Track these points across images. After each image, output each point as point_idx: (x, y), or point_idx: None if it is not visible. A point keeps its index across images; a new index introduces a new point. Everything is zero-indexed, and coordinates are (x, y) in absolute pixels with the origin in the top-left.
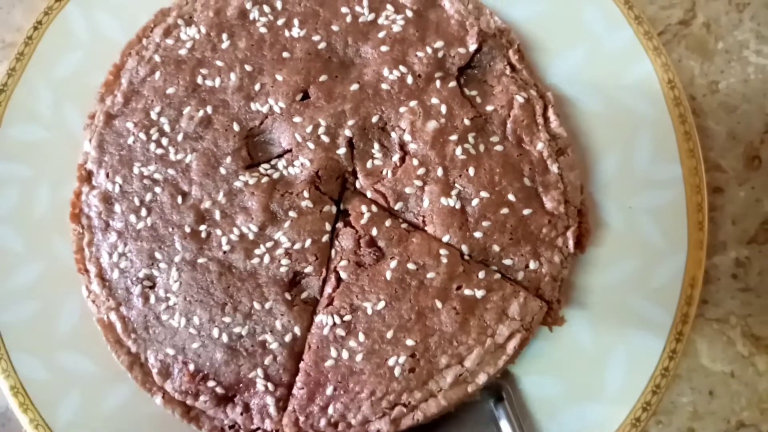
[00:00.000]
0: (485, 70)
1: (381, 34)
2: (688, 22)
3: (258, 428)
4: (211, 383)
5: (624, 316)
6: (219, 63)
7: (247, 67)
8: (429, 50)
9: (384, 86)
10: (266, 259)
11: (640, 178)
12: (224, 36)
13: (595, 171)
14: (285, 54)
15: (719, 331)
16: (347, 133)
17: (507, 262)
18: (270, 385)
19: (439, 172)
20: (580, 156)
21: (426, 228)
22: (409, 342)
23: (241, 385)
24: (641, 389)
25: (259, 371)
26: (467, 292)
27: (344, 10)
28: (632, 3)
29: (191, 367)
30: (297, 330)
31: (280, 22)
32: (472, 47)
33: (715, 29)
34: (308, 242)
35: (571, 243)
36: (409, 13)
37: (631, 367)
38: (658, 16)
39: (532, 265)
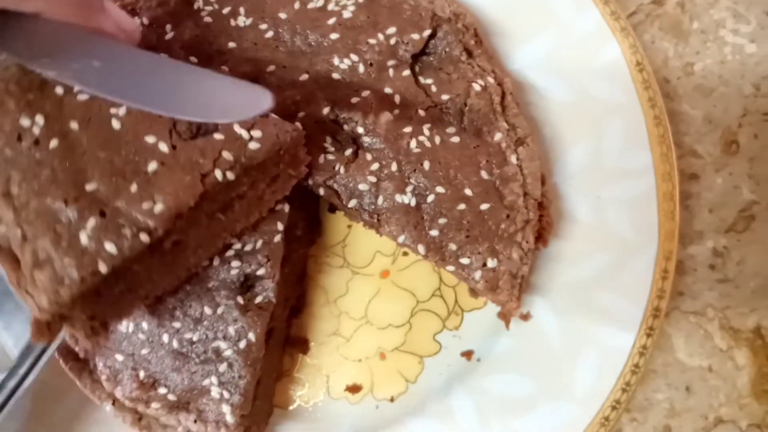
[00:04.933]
0: (441, 57)
1: (331, 21)
2: (662, 1)
3: None
4: (162, 390)
5: (593, 313)
6: (163, 54)
7: (192, 58)
8: (381, 37)
9: (335, 76)
10: (215, 261)
11: (609, 167)
12: (168, 27)
13: (562, 162)
14: (231, 44)
15: (696, 324)
16: (297, 125)
17: (464, 261)
18: (225, 393)
19: (393, 167)
20: (547, 146)
21: (381, 228)
22: None
23: (195, 392)
24: (610, 387)
25: (213, 379)
26: None
27: None
28: None
29: (141, 373)
30: (251, 336)
31: (225, 11)
32: (426, 33)
33: (690, 8)
34: (259, 243)
35: (531, 238)
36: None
37: (600, 365)
38: None
39: (490, 263)
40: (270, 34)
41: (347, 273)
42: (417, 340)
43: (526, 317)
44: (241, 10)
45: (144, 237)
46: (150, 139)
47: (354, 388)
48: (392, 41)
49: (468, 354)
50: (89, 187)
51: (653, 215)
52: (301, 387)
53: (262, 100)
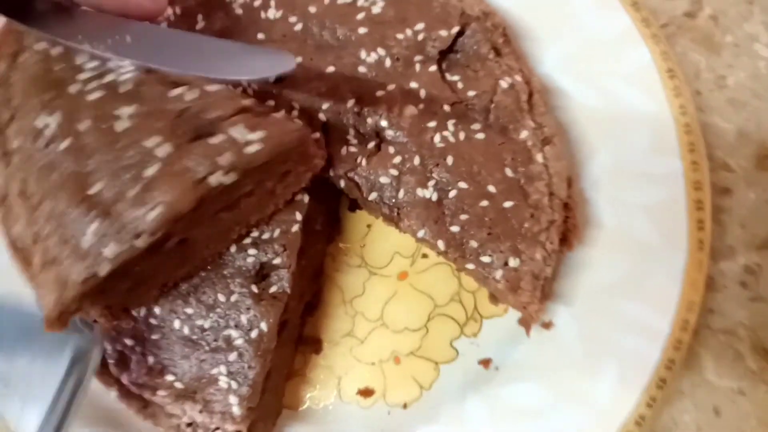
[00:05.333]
0: (468, 55)
1: (359, 16)
2: (694, 14)
3: (218, 428)
4: (170, 377)
5: (616, 321)
6: None
7: None
8: (409, 32)
9: (361, 69)
10: (233, 248)
11: (635, 172)
12: (199, 17)
13: (587, 166)
14: (260, 35)
15: (726, 343)
16: (321, 117)
17: (485, 259)
18: (234, 384)
19: (416, 161)
20: (572, 151)
21: (401, 222)
22: None
23: (203, 380)
24: (634, 401)
25: (222, 368)
26: None
27: None
28: None
29: (150, 359)
30: (263, 326)
31: (256, 3)
32: (454, 30)
33: (723, 21)
34: (276, 232)
35: (555, 239)
36: None
37: (623, 377)
38: (661, 8)
39: (512, 262)
40: (299, 27)
41: (364, 273)
42: (433, 346)
43: (547, 325)
44: (272, 3)
45: (140, 242)
46: (149, 142)
47: (366, 392)
48: (420, 37)
49: (486, 362)
50: (93, 190)
51: (681, 223)
52: (311, 388)
53: (285, 61)
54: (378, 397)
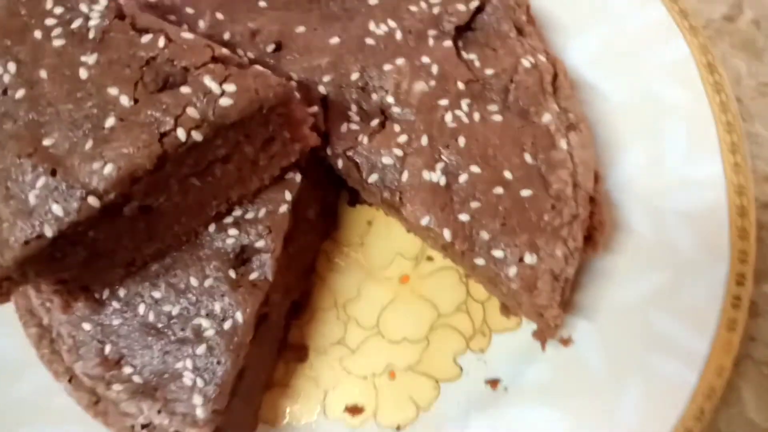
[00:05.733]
0: (487, 33)
1: None
2: (735, 17)
3: (177, 431)
4: (127, 369)
5: (646, 339)
6: (189, 10)
7: (219, 15)
8: (423, 5)
9: (369, 41)
10: (212, 227)
11: (671, 175)
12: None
13: (617, 165)
14: (262, 3)
15: None
16: (321, 89)
17: (497, 253)
18: (200, 381)
19: (424, 140)
20: (601, 149)
21: (403, 208)
22: None
23: (165, 375)
24: None
25: (188, 362)
26: None
27: None
28: None
29: (108, 348)
30: (239, 316)
31: None
32: (473, 4)
33: (766, 26)
34: (262, 211)
35: (579, 235)
36: None
37: (652, 404)
38: (698, 10)
39: (528, 258)
40: None
41: (361, 274)
42: (434, 361)
43: (566, 342)
44: None
45: (93, 201)
46: (113, 91)
47: (354, 410)
48: (435, 11)
49: (494, 382)
50: (47, 142)
51: (723, 232)
52: (293, 401)
53: None
54: (368, 417)
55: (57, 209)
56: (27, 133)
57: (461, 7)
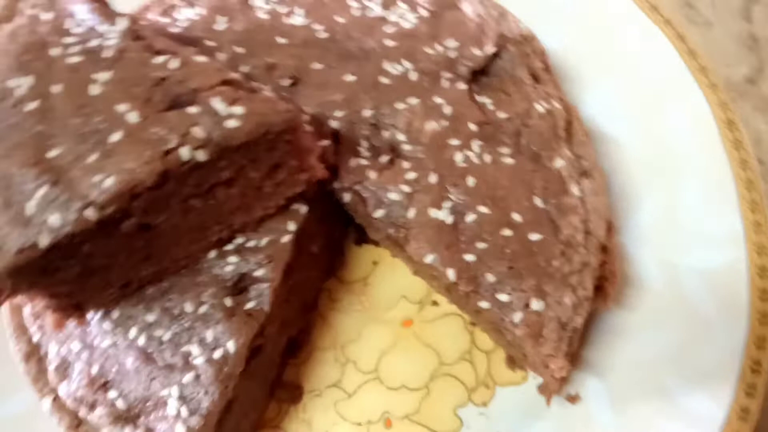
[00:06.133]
0: (502, 79)
1: (389, 30)
2: (756, 80)
3: None
4: (112, 394)
5: (660, 403)
6: (210, 43)
7: (238, 49)
8: (440, 48)
9: (383, 80)
10: (212, 254)
11: (688, 230)
12: (222, 18)
13: (631, 218)
14: (281, 40)
15: None
16: (334, 124)
17: (502, 297)
18: (184, 411)
19: (432, 178)
20: (615, 200)
21: (407, 245)
22: None
23: (148, 402)
24: None
25: (174, 390)
26: None
27: (352, 3)
28: (686, 36)
29: (94, 369)
30: (230, 346)
31: (282, 9)
32: (490, 50)
33: None
34: (264, 240)
35: (589, 284)
36: (424, 12)
37: None
38: (720, 73)
39: (535, 304)
40: (324, 35)
41: (363, 315)
42: (433, 411)
43: (573, 399)
44: (298, 10)
45: (90, 213)
46: (121, 108)
47: None
48: (452, 54)
49: None
50: (51, 153)
51: (742, 291)
52: None
53: None
54: None
55: (53, 219)
56: (33, 143)
57: (477, 52)
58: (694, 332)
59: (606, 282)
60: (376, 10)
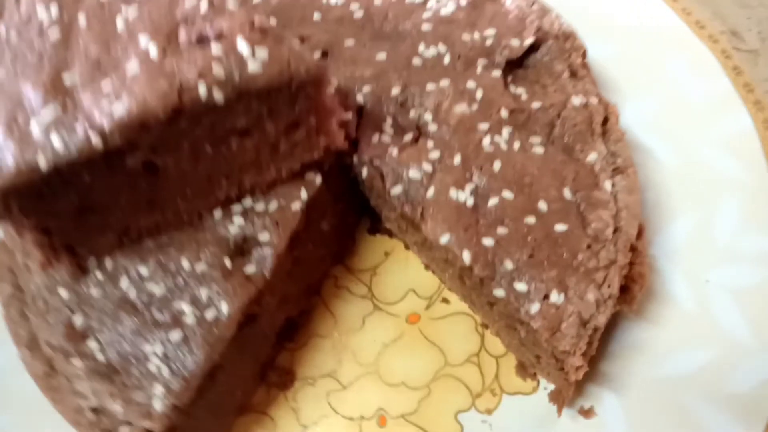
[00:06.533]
0: (539, 72)
1: (426, 15)
2: None
3: (128, 422)
4: (93, 344)
5: (677, 424)
6: None
7: (271, 20)
8: (477, 35)
9: (416, 61)
10: (217, 213)
11: (722, 248)
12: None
13: (664, 232)
14: (316, 16)
15: None
16: (359, 98)
17: (519, 286)
18: (166, 370)
19: (457, 159)
20: (648, 214)
21: (423, 224)
22: None
23: (130, 358)
24: None
25: (158, 347)
26: None
27: None
28: (730, 53)
29: (78, 318)
30: (224, 308)
31: None
32: (528, 41)
33: None
34: (273, 205)
35: (615, 283)
36: (463, 2)
37: None
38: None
39: (555, 297)
40: (359, 14)
41: (368, 305)
42: (433, 413)
43: (588, 413)
44: None
45: (95, 138)
46: (143, 41)
47: None
48: (488, 42)
49: None
50: (65, 76)
51: None
52: None
53: None
54: None
55: (57, 142)
56: (50, 68)
57: (515, 42)
58: (722, 353)
59: (634, 284)
60: None
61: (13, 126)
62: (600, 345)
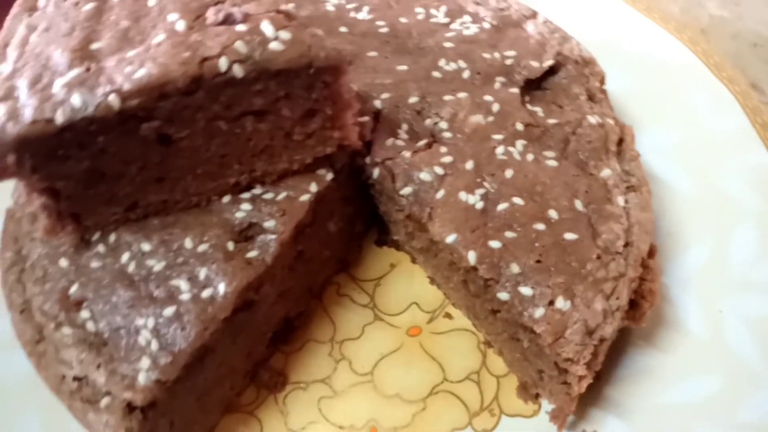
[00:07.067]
0: (557, 93)
1: (449, 34)
2: None
3: (108, 392)
4: (84, 314)
5: None
6: None
7: None
8: (497, 54)
9: (435, 74)
10: (226, 198)
11: (736, 278)
12: (289, 5)
13: (678, 261)
14: (343, 29)
15: None
16: (377, 104)
17: (524, 290)
18: (155, 344)
19: (469, 165)
20: (663, 241)
21: (430, 224)
22: None
23: (120, 330)
24: None
25: (150, 321)
26: None
27: (418, 9)
28: (750, 94)
29: (74, 287)
30: (221, 288)
31: (350, 5)
32: (547, 63)
33: None
34: (282, 194)
35: (624, 295)
36: (487, 25)
37: None
38: None
39: (560, 303)
40: (384, 30)
41: (369, 315)
42: (426, 429)
43: None
44: (365, 7)
45: (114, 100)
46: (172, 17)
47: None
48: (508, 62)
49: None
50: (93, 45)
51: None
52: None
53: None
54: None
55: (76, 100)
56: (80, 35)
57: (535, 63)
58: (733, 381)
59: (643, 300)
60: (441, 18)
61: (38, 85)
62: (605, 369)
